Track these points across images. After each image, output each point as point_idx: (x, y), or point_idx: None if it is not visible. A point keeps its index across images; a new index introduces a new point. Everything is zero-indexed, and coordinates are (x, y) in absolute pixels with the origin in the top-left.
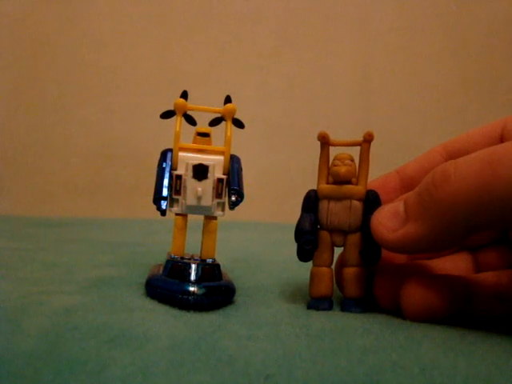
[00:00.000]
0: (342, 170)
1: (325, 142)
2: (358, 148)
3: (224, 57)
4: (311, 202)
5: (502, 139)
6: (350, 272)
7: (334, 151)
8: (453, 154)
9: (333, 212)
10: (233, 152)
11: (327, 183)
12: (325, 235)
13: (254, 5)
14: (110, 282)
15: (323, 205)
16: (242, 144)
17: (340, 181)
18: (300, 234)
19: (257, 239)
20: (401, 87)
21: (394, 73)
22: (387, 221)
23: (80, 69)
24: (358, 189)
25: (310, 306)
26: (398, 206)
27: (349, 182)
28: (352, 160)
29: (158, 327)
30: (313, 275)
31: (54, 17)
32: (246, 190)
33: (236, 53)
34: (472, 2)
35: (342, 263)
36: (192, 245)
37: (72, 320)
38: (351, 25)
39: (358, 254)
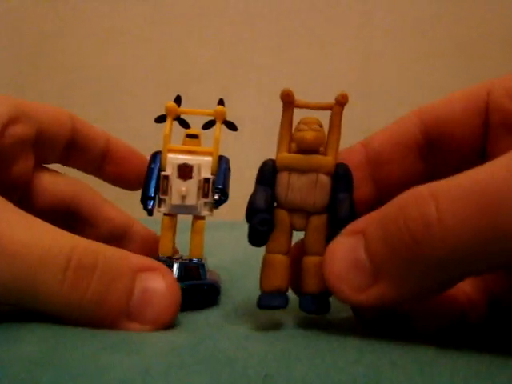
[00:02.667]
0: (309, 135)
1: (289, 101)
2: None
3: (224, 57)
4: (269, 173)
5: (487, 108)
6: (311, 262)
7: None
8: (430, 125)
9: (294, 187)
10: (233, 152)
11: (289, 152)
12: (282, 215)
13: (254, 5)
14: None
15: (283, 177)
16: (242, 144)
17: (305, 149)
18: (253, 212)
19: None
20: (402, 88)
21: (394, 73)
22: (349, 275)
23: (79, 69)
24: (327, 160)
25: (260, 303)
26: (356, 251)
27: (316, 152)
28: (320, 125)
29: (158, 334)
30: (265, 264)
31: (53, 17)
32: (246, 190)
33: (236, 53)
34: (473, 1)
35: (302, 251)
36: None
37: (71, 326)
38: (351, 25)
39: (322, 241)
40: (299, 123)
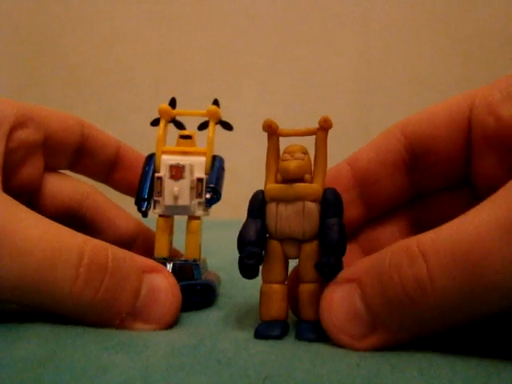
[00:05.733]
0: (291, 165)
1: (271, 131)
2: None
3: (224, 56)
4: (258, 205)
5: (469, 124)
6: (305, 290)
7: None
8: (413, 141)
9: (283, 217)
10: (234, 152)
11: (276, 182)
12: (275, 245)
13: (254, 3)
14: None
15: (271, 208)
16: (242, 144)
17: (290, 178)
18: (242, 245)
19: None
20: (402, 86)
21: (395, 72)
22: (348, 326)
23: (78, 69)
24: (313, 188)
25: (258, 333)
26: (352, 301)
27: (301, 180)
28: (305, 152)
29: (158, 334)
30: (262, 294)
31: (54, 17)
32: (246, 189)
33: (235, 52)
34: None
35: (297, 279)
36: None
37: (72, 327)
38: (352, 23)
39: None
40: (284, 152)
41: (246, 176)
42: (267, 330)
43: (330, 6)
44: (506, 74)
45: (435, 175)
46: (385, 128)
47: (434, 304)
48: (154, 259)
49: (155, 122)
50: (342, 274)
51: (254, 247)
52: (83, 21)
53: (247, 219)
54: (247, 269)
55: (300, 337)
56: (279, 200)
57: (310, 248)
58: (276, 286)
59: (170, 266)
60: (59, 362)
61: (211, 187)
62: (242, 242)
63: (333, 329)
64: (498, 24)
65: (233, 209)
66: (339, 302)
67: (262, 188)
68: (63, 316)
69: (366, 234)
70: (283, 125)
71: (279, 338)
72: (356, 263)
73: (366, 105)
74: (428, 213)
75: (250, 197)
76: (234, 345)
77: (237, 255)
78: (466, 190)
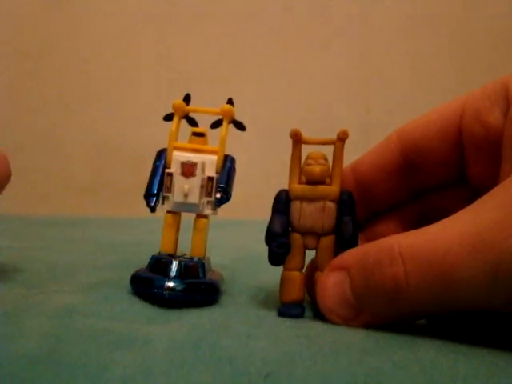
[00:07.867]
0: (317, 169)
1: (297, 139)
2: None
3: (224, 56)
4: (282, 202)
5: (460, 131)
6: None
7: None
8: (408, 148)
9: (306, 213)
10: (235, 151)
11: (299, 183)
12: (297, 238)
13: (254, 4)
14: (112, 284)
15: (295, 206)
16: (243, 143)
17: (314, 181)
18: (272, 236)
19: (259, 238)
20: (402, 86)
21: (395, 71)
22: (338, 309)
23: (80, 68)
24: (332, 189)
25: (281, 312)
26: (343, 288)
27: (322, 183)
28: (326, 159)
29: (159, 330)
30: (284, 280)
31: (54, 16)
32: (249, 189)
33: (236, 52)
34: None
35: (314, 267)
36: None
37: (72, 324)
38: (351, 23)
39: (331, 258)
40: (307, 158)
41: (246, 176)
42: (289, 309)
43: (329, 5)
44: (505, 73)
45: (430, 180)
46: (384, 127)
47: (409, 301)
48: (160, 255)
49: (168, 117)
50: (335, 262)
51: (282, 238)
52: (84, 21)
53: (273, 214)
54: (277, 257)
55: (318, 316)
56: (303, 198)
57: (328, 241)
58: (296, 273)
59: (175, 263)
60: (58, 360)
61: (222, 187)
62: (271, 233)
63: (326, 310)
64: (498, 23)
65: (233, 208)
66: (332, 286)
67: (260, 188)
68: (62, 313)
69: (372, 228)
70: (283, 125)
71: (300, 316)
72: (348, 252)
73: (365, 105)
74: (430, 206)
75: (249, 196)
76: (235, 342)
77: (238, 254)
78: (467, 184)
